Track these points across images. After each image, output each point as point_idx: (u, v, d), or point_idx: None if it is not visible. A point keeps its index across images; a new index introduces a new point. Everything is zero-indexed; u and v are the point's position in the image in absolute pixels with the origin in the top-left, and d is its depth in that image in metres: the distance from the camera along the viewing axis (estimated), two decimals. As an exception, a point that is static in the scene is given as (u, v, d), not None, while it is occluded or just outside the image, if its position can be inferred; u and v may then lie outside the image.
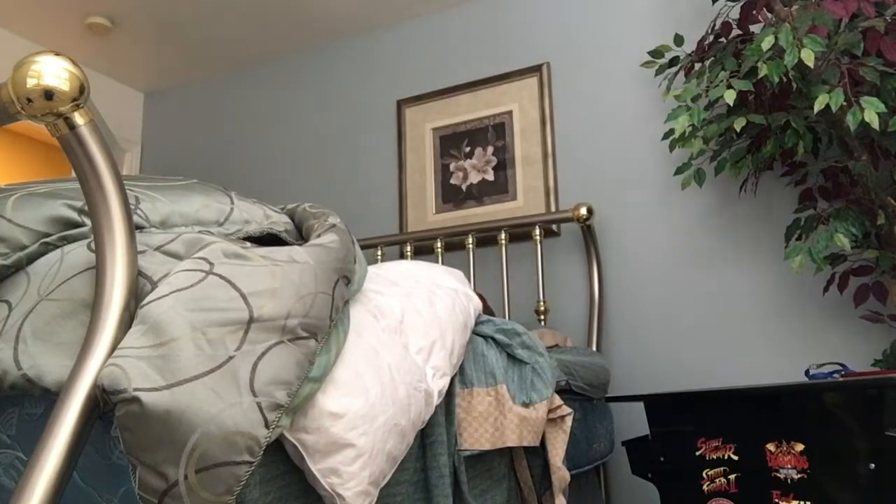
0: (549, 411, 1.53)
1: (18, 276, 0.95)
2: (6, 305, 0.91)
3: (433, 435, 1.25)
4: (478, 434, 1.36)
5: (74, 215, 0.99)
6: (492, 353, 1.46)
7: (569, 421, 1.58)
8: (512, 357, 1.52)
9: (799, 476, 1.59)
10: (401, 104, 3.22)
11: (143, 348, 0.77)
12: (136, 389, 0.74)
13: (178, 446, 0.73)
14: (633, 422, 2.48)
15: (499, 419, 1.39)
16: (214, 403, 0.75)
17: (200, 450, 0.74)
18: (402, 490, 1.16)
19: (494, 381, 1.42)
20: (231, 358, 0.80)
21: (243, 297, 0.84)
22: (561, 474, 1.54)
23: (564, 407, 1.57)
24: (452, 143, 3.08)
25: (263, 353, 0.83)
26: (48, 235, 0.96)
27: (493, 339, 1.51)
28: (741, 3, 2.26)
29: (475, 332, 1.50)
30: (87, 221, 0.98)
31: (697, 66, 2.34)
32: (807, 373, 1.99)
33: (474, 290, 2.78)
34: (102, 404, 0.77)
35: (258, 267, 0.88)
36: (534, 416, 1.44)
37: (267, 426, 0.79)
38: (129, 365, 0.75)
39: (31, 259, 0.95)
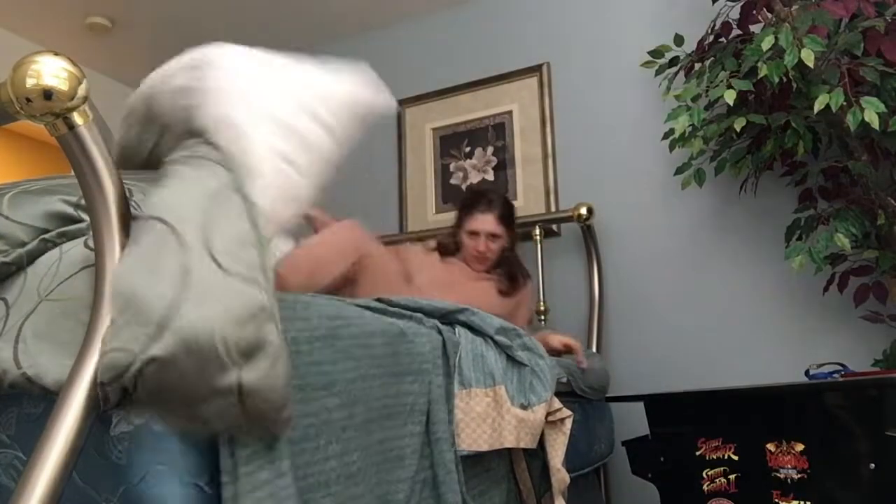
0: (548, 414, 1.53)
1: (14, 274, 0.95)
2: (3, 303, 0.91)
3: (438, 432, 1.25)
4: (475, 435, 1.35)
5: (71, 210, 0.98)
6: (491, 354, 1.46)
7: (568, 423, 1.58)
8: (511, 359, 1.52)
9: (799, 476, 1.59)
10: (401, 104, 3.22)
11: (118, 324, 0.77)
12: (142, 352, 0.74)
13: (214, 355, 0.75)
14: (633, 422, 2.48)
15: (497, 420, 1.38)
16: (209, 305, 0.76)
17: (232, 342, 0.76)
18: (404, 487, 1.16)
19: (493, 382, 1.41)
20: (184, 263, 0.79)
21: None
22: (560, 476, 1.54)
23: (564, 409, 1.57)
24: (452, 143, 3.08)
25: (206, 225, 0.83)
26: (47, 231, 0.96)
27: (493, 339, 1.51)
28: (741, 3, 2.26)
29: (475, 332, 1.49)
30: (84, 216, 0.98)
31: (697, 66, 2.33)
32: (807, 373, 1.99)
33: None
34: (103, 402, 0.77)
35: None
36: (531, 418, 1.44)
37: (260, 288, 0.80)
38: (119, 342, 0.76)
39: (32, 256, 0.95)
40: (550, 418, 1.54)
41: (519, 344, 1.53)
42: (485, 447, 1.35)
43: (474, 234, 2.21)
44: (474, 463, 1.39)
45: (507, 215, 2.26)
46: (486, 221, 2.20)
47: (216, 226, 0.83)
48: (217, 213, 0.84)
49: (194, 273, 0.78)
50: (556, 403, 1.56)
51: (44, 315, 0.86)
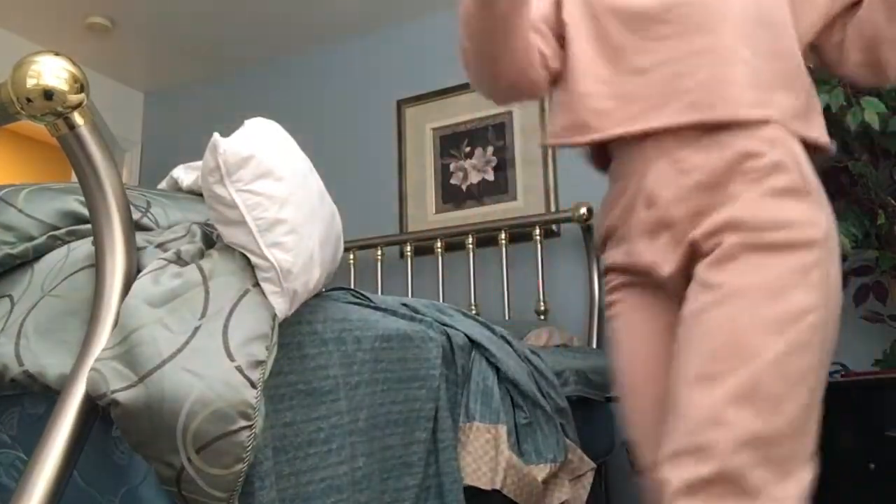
0: (555, 475, 1.46)
1: (22, 271, 0.95)
2: (8, 300, 0.91)
3: (445, 440, 1.24)
4: (470, 469, 1.32)
5: (84, 210, 0.99)
6: (497, 393, 1.42)
7: (590, 477, 1.55)
8: (515, 402, 1.48)
9: (799, 476, 1.59)
10: (401, 104, 3.22)
11: (113, 347, 0.77)
12: (113, 391, 0.74)
13: (170, 433, 0.74)
14: (634, 422, 2.48)
15: (494, 459, 1.36)
16: (190, 382, 0.75)
17: (192, 430, 0.74)
18: (411, 495, 1.15)
19: (497, 420, 1.38)
20: (197, 329, 0.79)
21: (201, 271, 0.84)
22: None
23: (585, 462, 1.54)
24: (452, 143, 3.08)
25: (232, 311, 0.82)
26: (57, 228, 0.97)
27: (508, 379, 1.46)
28: (741, 3, 2.26)
29: (489, 364, 1.47)
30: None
31: (697, 66, 2.33)
32: (807, 373, 1.98)
33: (475, 290, 2.77)
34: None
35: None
36: (525, 471, 1.39)
37: (253, 386, 0.78)
38: (105, 367, 0.76)
39: (38, 252, 0.95)
40: (570, 477, 1.52)
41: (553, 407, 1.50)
42: (479, 484, 1.32)
43: None
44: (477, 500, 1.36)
45: None
46: None
47: (241, 311, 0.82)
48: (246, 301, 0.84)
49: (201, 341, 0.78)
50: (576, 460, 1.53)
51: (45, 310, 0.86)
